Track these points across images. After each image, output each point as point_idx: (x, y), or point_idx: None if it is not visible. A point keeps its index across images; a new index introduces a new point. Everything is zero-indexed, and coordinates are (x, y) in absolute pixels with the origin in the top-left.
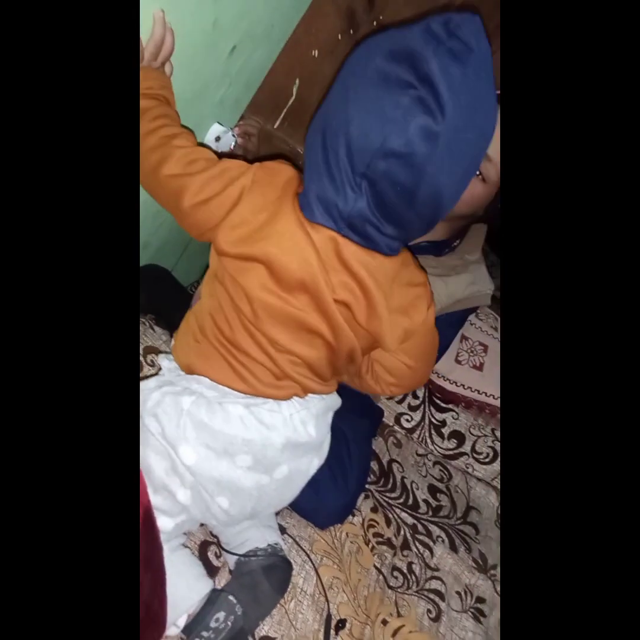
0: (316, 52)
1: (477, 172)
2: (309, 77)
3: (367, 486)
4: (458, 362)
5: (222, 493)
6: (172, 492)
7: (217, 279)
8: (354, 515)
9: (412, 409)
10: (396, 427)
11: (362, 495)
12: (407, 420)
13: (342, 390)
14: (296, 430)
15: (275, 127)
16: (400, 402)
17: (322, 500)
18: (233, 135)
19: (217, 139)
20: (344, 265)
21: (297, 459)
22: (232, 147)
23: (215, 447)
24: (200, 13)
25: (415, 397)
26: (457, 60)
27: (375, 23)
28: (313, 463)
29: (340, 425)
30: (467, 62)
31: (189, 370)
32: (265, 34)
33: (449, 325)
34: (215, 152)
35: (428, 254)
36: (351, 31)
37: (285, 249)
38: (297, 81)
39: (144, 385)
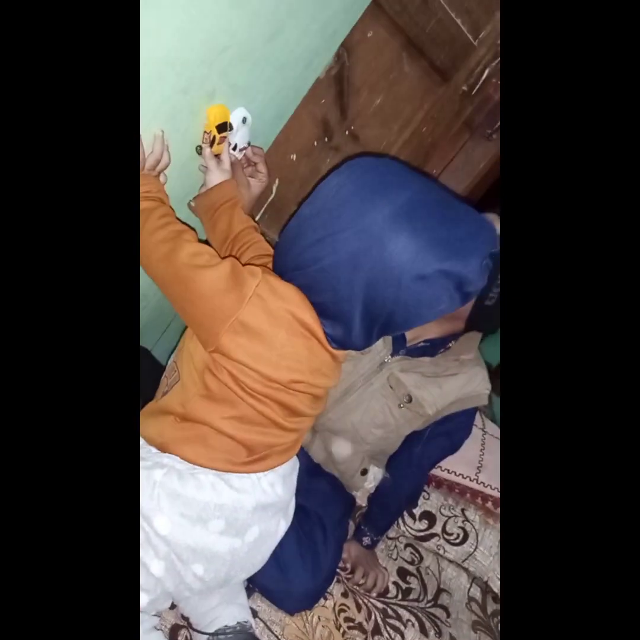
0: (294, 156)
1: None
2: (287, 178)
3: (338, 571)
4: None
5: (197, 560)
6: (146, 565)
7: (208, 370)
8: (325, 599)
9: None
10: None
11: (334, 580)
12: None
13: (318, 475)
14: (265, 492)
15: (256, 219)
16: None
17: (291, 583)
18: (249, 143)
19: (244, 120)
20: None
21: (267, 521)
22: (244, 147)
23: (189, 514)
24: (193, 130)
25: None
26: None
27: (347, 132)
28: (280, 525)
29: (315, 509)
30: None
31: (162, 449)
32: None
33: (460, 428)
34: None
35: (423, 355)
36: (325, 139)
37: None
38: (277, 181)
39: None
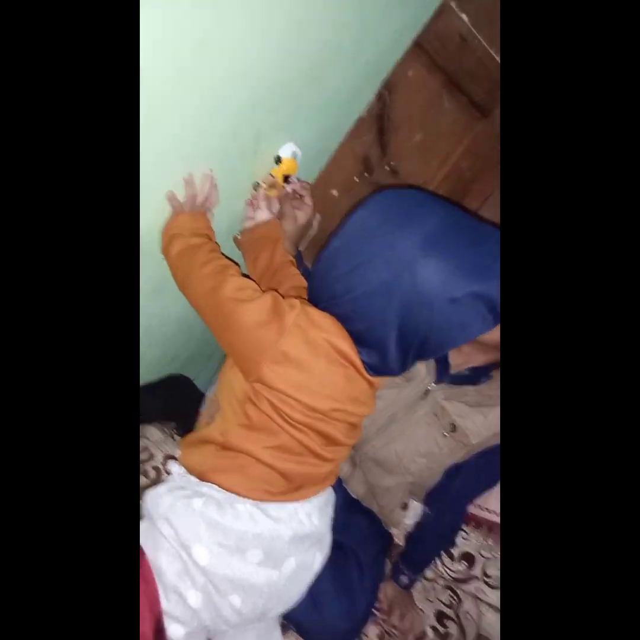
0: (335, 191)
1: None
2: (328, 213)
3: (374, 611)
4: None
5: (235, 591)
6: (183, 596)
7: (249, 400)
8: None
9: None
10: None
11: (371, 621)
12: None
13: (355, 511)
14: (301, 522)
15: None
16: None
17: (326, 621)
18: (297, 177)
19: (294, 154)
20: None
21: (303, 553)
22: (294, 180)
23: (227, 544)
24: (241, 170)
25: None
26: None
27: (387, 168)
28: (317, 557)
29: (351, 545)
30: None
31: (202, 478)
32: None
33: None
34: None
35: (467, 383)
36: (366, 174)
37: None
38: (318, 216)
39: (156, 491)
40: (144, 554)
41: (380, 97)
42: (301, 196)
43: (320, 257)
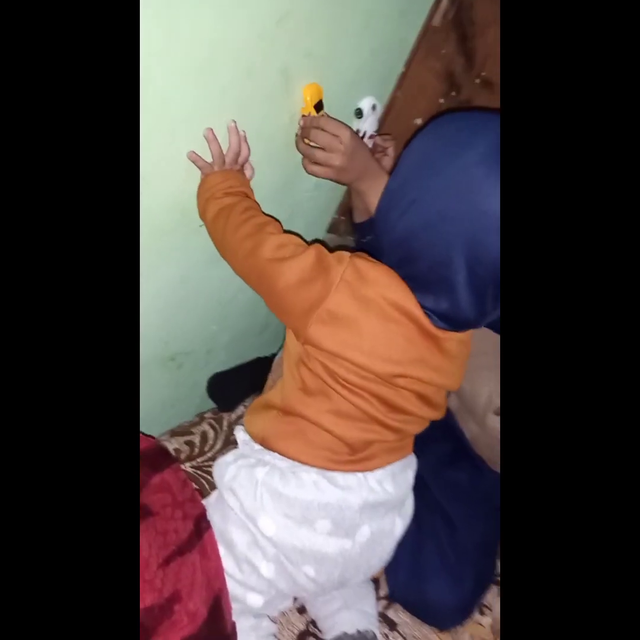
0: (419, 120)
1: None
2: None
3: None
4: None
5: (307, 562)
6: (256, 566)
7: (302, 362)
8: (483, 614)
9: None
10: None
11: (495, 591)
12: None
13: (458, 462)
14: (372, 490)
15: None
16: None
17: (429, 596)
18: (377, 131)
19: (374, 108)
20: None
21: (379, 519)
22: (374, 133)
23: (293, 515)
24: (273, 113)
25: None
26: None
27: (478, 80)
28: (396, 524)
29: (453, 509)
30: None
31: (264, 444)
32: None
33: None
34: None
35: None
36: (453, 93)
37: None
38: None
39: (222, 459)
40: (210, 527)
41: None
42: (384, 149)
43: (379, 205)
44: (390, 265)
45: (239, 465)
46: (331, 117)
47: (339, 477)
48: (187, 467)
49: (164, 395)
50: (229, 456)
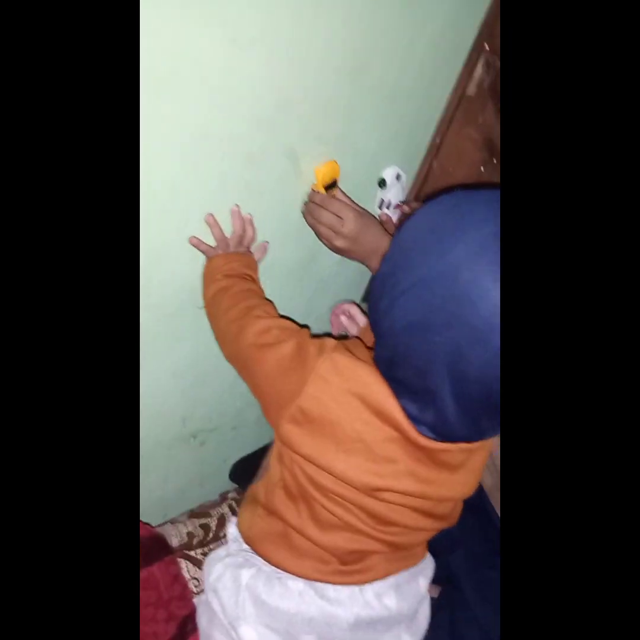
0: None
1: None
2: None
3: None
4: None
5: None
6: None
7: (283, 460)
8: None
9: None
10: None
11: None
12: None
13: (479, 555)
14: (368, 605)
15: None
16: None
17: None
18: (403, 201)
19: (398, 177)
20: None
21: (377, 638)
22: (399, 203)
23: (276, 627)
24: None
25: None
26: None
27: None
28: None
29: (473, 605)
30: None
31: (250, 545)
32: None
33: None
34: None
35: None
36: (494, 160)
37: None
38: None
39: (213, 555)
40: (196, 630)
41: (488, 66)
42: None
43: (371, 290)
44: (379, 361)
45: (226, 564)
46: (342, 197)
47: (330, 588)
48: (197, 553)
49: (191, 474)
50: (221, 551)
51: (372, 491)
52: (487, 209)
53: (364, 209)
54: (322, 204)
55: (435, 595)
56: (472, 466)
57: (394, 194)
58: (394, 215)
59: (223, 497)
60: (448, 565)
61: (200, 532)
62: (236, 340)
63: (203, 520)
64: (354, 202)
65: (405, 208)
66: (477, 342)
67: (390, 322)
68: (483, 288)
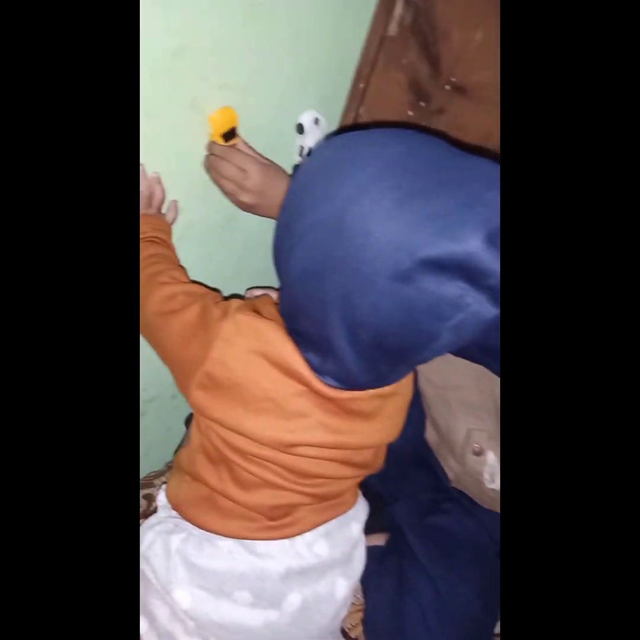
0: None
1: None
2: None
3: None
4: None
5: (230, 636)
6: None
7: (199, 426)
8: None
9: None
10: None
11: None
12: None
13: (422, 504)
14: (299, 555)
15: None
16: None
17: None
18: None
19: (316, 121)
20: None
21: (311, 585)
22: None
23: (208, 587)
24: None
25: None
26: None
27: (448, 87)
28: (338, 585)
29: (419, 553)
30: None
31: (178, 511)
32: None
33: None
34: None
35: None
36: (422, 103)
37: None
38: None
39: (145, 523)
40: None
41: (408, 2)
42: None
43: (273, 242)
44: (283, 314)
45: (156, 531)
46: (244, 148)
47: (259, 544)
48: (142, 524)
49: None
50: (152, 519)
51: (287, 447)
52: (372, 148)
53: (269, 160)
54: (222, 156)
55: (383, 543)
56: (388, 412)
57: (313, 139)
58: None
59: (169, 466)
60: (393, 516)
61: (143, 503)
62: (141, 309)
63: (147, 491)
64: (258, 154)
65: None
66: (363, 286)
67: (287, 271)
68: (365, 230)
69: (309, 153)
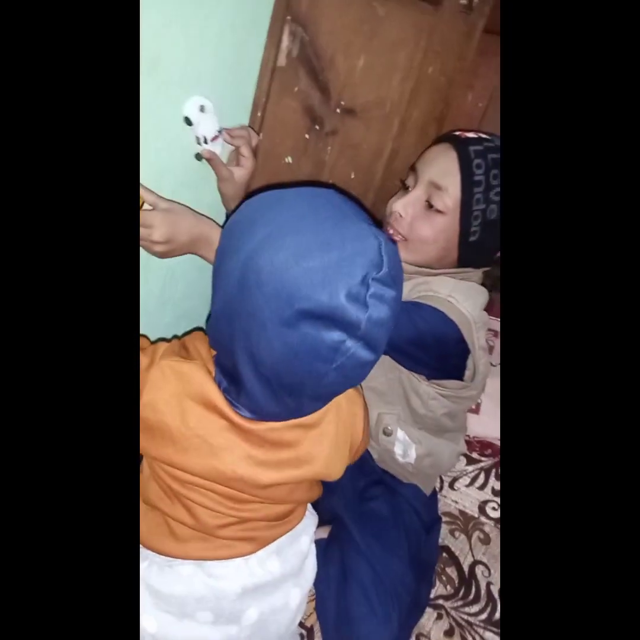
0: (289, 158)
1: (431, 206)
2: (292, 182)
3: (441, 602)
4: None
5: None
6: None
7: (148, 460)
8: None
9: (497, 493)
10: (482, 518)
11: (434, 615)
12: (494, 508)
13: (357, 491)
14: (253, 574)
15: None
16: (481, 487)
17: (358, 637)
18: (220, 130)
19: (202, 108)
20: None
21: (267, 598)
22: (215, 136)
23: (172, 610)
24: None
25: (499, 478)
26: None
27: (338, 110)
28: (291, 596)
29: (357, 539)
30: None
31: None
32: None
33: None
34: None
35: None
36: (317, 127)
37: None
38: (289, 159)
39: None
40: None
41: (293, 35)
42: (237, 147)
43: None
44: (212, 347)
45: None
46: (146, 196)
47: (216, 566)
48: None
49: None
50: None
51: (217, 477)
52: (276, 209)
53: (168, 201)
54: None
55: (325, 535)
56: (313, 442)
57: (206, 126)
58: (217, 147)
59: None
60: (331, 507)
61: None
62: None
63: None
64: (156, 195)
65: (226, 136)
66: (259, 329)
67: (213, 307)
68: (258, 282)
69: (206, 141)
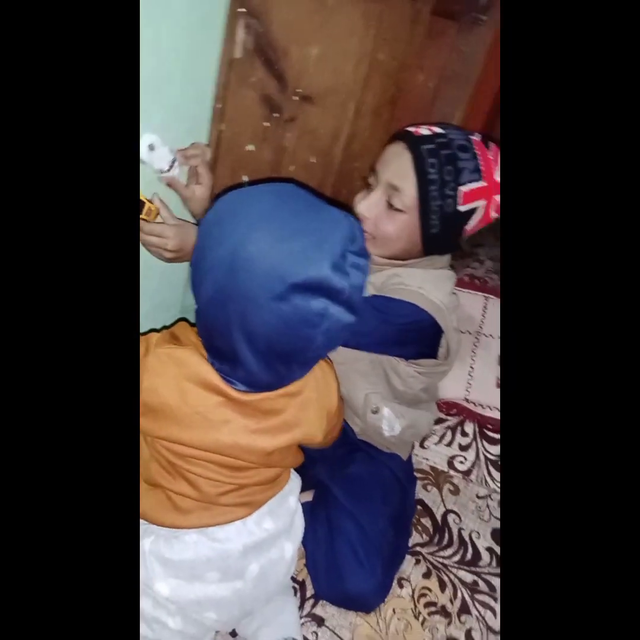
0: (251, 146)
1: (392, 206)
2: (255, 169)
3: (418, 549)
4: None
5: (207, 609)
6: (164, 623)
7: (147, 442)
8: (402, 587)
9: (464, 448)
10: (451, 472)
11: (412, 561)
12: (461, 462)
13: (339, 460)
14: (251, 533)
15: None
16: (449, 444)
17: (348, 589)
18: (174, 159)
19: (151, 147)
20: None
21: (265, 553)
22: (170, 165)
23: (182, 575)
24: None
25: (464, 434)
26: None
27: (296, 97)
28: (286, 549)
29: (342, 500)
30: None
31: (143, 518)
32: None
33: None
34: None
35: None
36: (275, 114)
37: None
38: (245, 178)
39: None
40: None
41: (248, 28)
42: (195, 174)
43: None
44: (201, 334)
45: None
46: (162, 211)
47: (218, 531)
48: None
49: None
50: None
51: (218, 449)
52: (250, 203)
53: (180, 219)
54: (143, 231)
55: (311, 499)
56: (302, 406)
57: (160, 160)
58: (175, 171)
59: None
60: (315, 475)
61: None
62: None
63: None
64: (169, 210)
65: (181, 158)
66: (253, 307)
67: (200, 300)
68: (249, 266)
69: (163, 171)
